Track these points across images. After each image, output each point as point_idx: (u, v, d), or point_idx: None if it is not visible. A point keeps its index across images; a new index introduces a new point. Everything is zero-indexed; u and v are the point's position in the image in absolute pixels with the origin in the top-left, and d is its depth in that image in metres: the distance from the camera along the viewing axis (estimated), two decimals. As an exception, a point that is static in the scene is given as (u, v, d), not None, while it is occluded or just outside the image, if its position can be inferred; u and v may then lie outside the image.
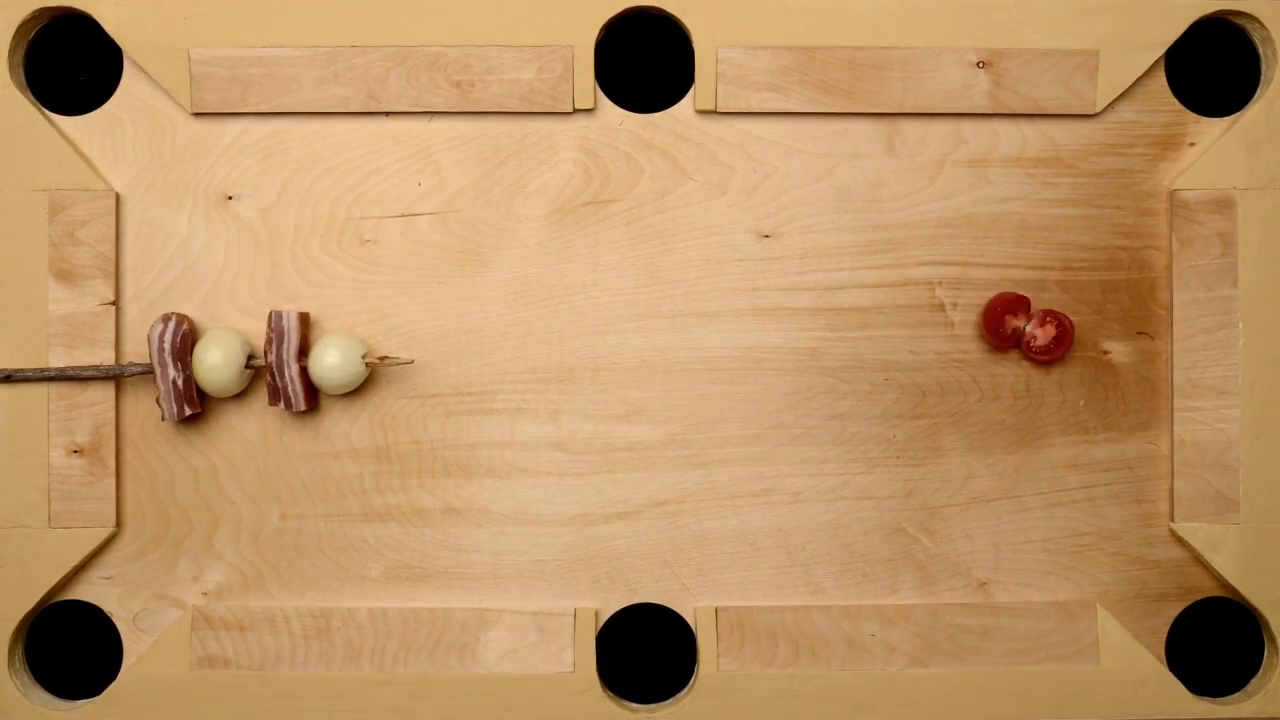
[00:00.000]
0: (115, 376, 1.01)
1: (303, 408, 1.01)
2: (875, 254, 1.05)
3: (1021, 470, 1.05)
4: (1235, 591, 1.04)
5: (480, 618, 1.03)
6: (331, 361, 1.00)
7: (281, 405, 1.01)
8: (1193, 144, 1.05)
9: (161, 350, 0.99)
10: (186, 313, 1.03)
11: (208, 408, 1.03)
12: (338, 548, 1.04)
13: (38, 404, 1.01)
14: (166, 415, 1.00)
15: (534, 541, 1.05)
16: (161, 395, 1.00)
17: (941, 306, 1.05)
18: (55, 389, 1.01)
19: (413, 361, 1.02)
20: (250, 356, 1.01)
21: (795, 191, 1.05)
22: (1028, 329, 1.02)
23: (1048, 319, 1.02)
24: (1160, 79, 1.05)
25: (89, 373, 1.00)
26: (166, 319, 1.00)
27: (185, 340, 1.00)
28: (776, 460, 1.05)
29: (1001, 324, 1.02)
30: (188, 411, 1.01)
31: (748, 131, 1.05)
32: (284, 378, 1.01)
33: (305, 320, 1.03)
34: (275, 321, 1.00)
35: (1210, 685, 1.06)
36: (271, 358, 1.00)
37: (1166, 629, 1.05)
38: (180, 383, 1.00)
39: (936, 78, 1.03)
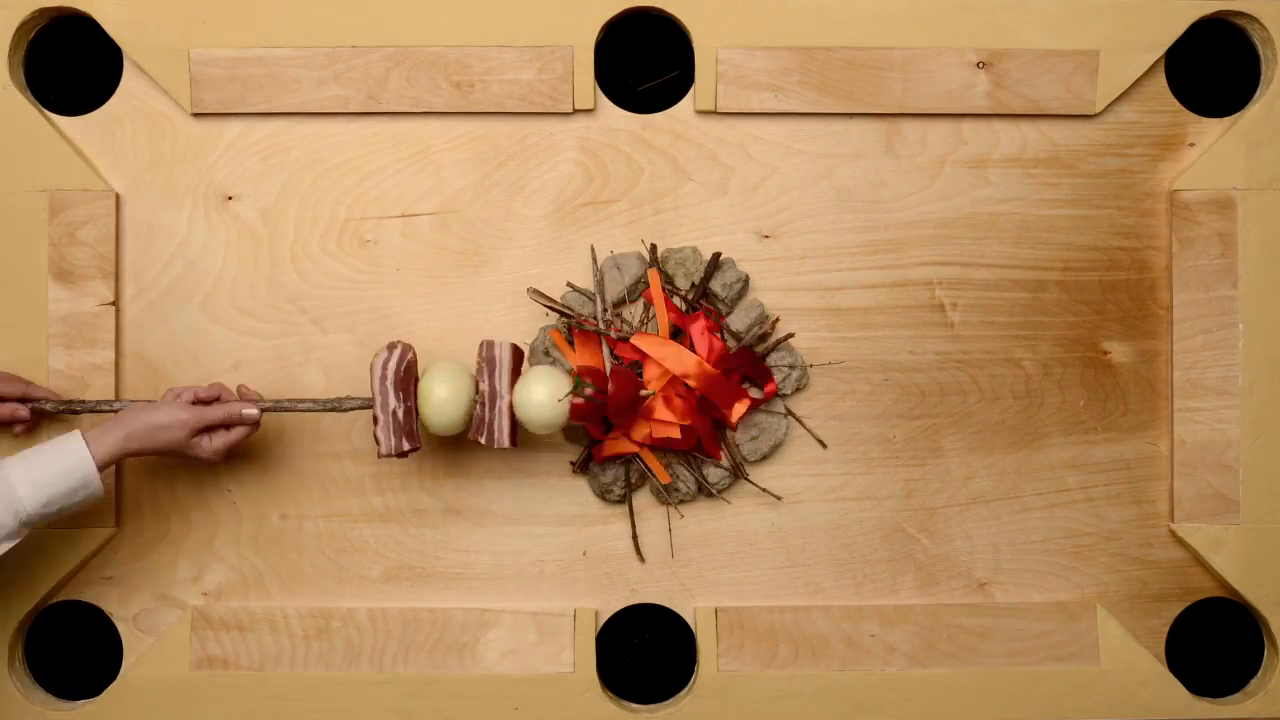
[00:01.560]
0: (332, 410, 0.95)
1: (505, 445, 0.94)
2: (875, 254, 1.05)
3: (1021, 471, 1.05)
4: (1235, 592, 1.04)
5: (480, 618, 1.03)
6: (539, 398, 0.93)
7: (484, 439, 0.94)
8: (1193, 144, 1.05)
9: (384, 379, 0.92)
10: (186, 313, 1.03)
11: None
12: (338, 548, 1.04)
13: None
14: (384, 450, 0.93)
15: (534, 542, 1.05)
16: (379, 428, 0.92)
17: (941, 306, 1.05)
18: (55, 389, 1.01)
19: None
20: (478, 392, 0.94)
21: (795, 191, 1.05)
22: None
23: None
24: (1160, 79, 1.05)
25: (304, 405, 0.95)
26: (391, 347, 0.93)
27: (409, 371, 0.93)
28: (777, 460, 1.05)
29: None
30: (406, 446, 0.93)
31: (748, 132, 1.05)
32: (493, 410, 0.94)
33: (518, 354, 0.97)
34: (487, 351, 0.94)
35: (1210, 685, 1.06)
36: (484, 387, 0.94)
37: (1166, 629, 1.05)
38: (401, 415, 0.92)
39: (936, 78, 1.03)
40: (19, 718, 1.02)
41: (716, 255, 1.03)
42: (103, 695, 1.02)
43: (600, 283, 1.02)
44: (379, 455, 0.94)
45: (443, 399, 0.93)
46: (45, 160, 1.02)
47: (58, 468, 0.86)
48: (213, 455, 0.93)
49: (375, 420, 0.93)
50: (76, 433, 0.89)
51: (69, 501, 0.87)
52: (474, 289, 1.05)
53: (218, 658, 1.02)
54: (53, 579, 1.02)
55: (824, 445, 1.04)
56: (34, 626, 1.05)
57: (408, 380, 0.94)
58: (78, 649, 1.07)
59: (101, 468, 0.88)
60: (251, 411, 0.94)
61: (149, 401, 0.95)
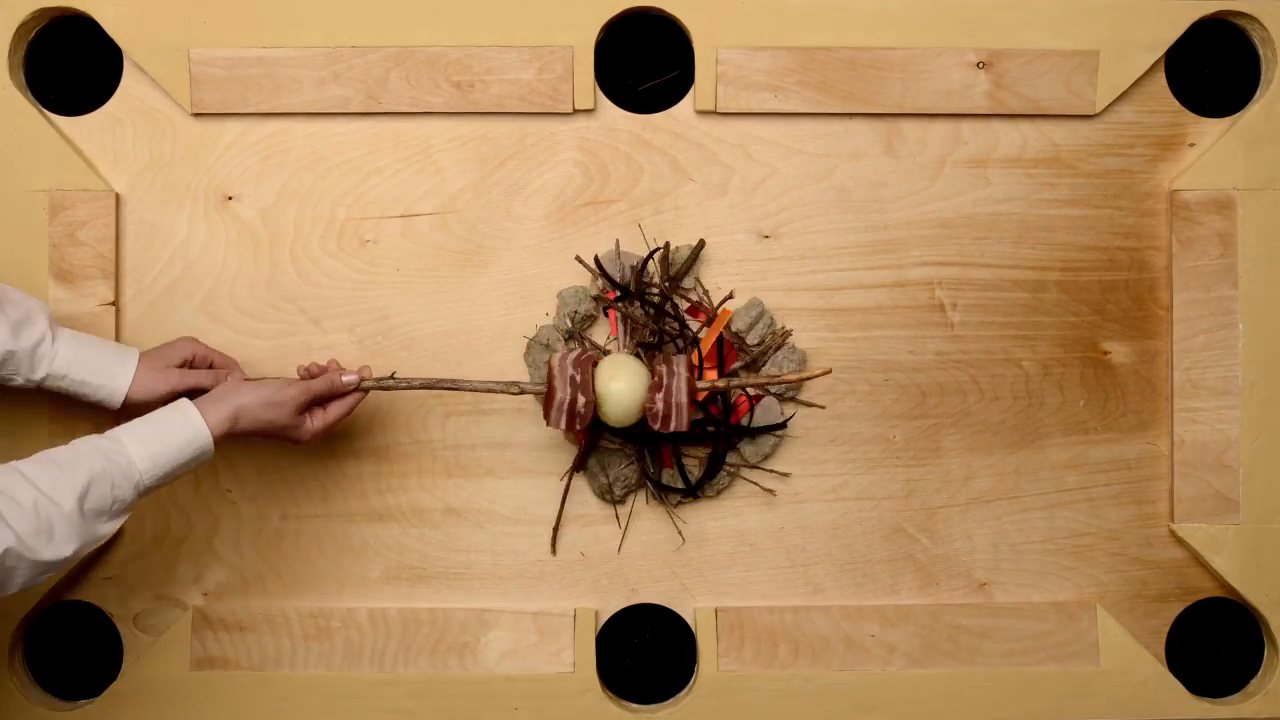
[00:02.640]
0: (493, 391, 0.95)
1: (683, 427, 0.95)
2: (875, 254, 1.05)
3: (1021, 471, 1.05)
4: (1235, 592, 1.04)
5: (480, 618, 1.03)
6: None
7: (658, 425, 0.94)
8: (1192, 144, 1.05)
9: (565, 367, 0.93)
10: (186, 313, 1.03)
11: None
12: (338, 548, 1.04)
13: (38, 404, 1.01)
14: (552, 423, 0.94)
15: (534, 542, 1.05)
16: (555, 409, 0.93)
17: (941, 306, 1.05)
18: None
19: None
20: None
21: (795, 191, 1.05)
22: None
23: None
24: (1160, 79, 1.05)
25: (496, 387, 0.94)
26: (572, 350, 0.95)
27: (589, 363, 0.95)
28: (777, 460, 1.05)
29: None
30: (575, 427, 0.94)
31: (748, 132, 1.05)
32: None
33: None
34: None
35: (1210, 685, 1.06)
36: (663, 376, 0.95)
37: (1166, 629, 1.05)
38: (581, 407, 0.93)
39: (936, 78, 1.03)
40: (19, 718, 1.02)
41: (700, 243, 1.03)
42: (103, 695, 1.02)
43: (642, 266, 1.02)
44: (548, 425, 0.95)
45: (619, 390, 0.94)
46: (45, 160, 1.02)
47: (175, 440, 0.85)
48: (311, 436, 0.92)
49: (550, 399, 0.93)
50: (187, 402, 0.87)
51: (185, 470, 0.87)
52: (474, 289, 1.05)
53: (218, 658, 1.02)
54: (53, 579, 1.02)
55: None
56: (34, 626, 1.05)
57: (586, 372, 0.94)
58: (78, 649, 1.07)
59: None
60: (350, 378, 0.93)
61: (258, 379, 0.93)
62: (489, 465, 1.05)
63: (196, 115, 1.03)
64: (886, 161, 1.05)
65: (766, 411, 1.03)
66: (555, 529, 1.04)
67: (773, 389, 1.02)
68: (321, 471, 1.04)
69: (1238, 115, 1.05)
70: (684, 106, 1.05)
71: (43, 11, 1.02)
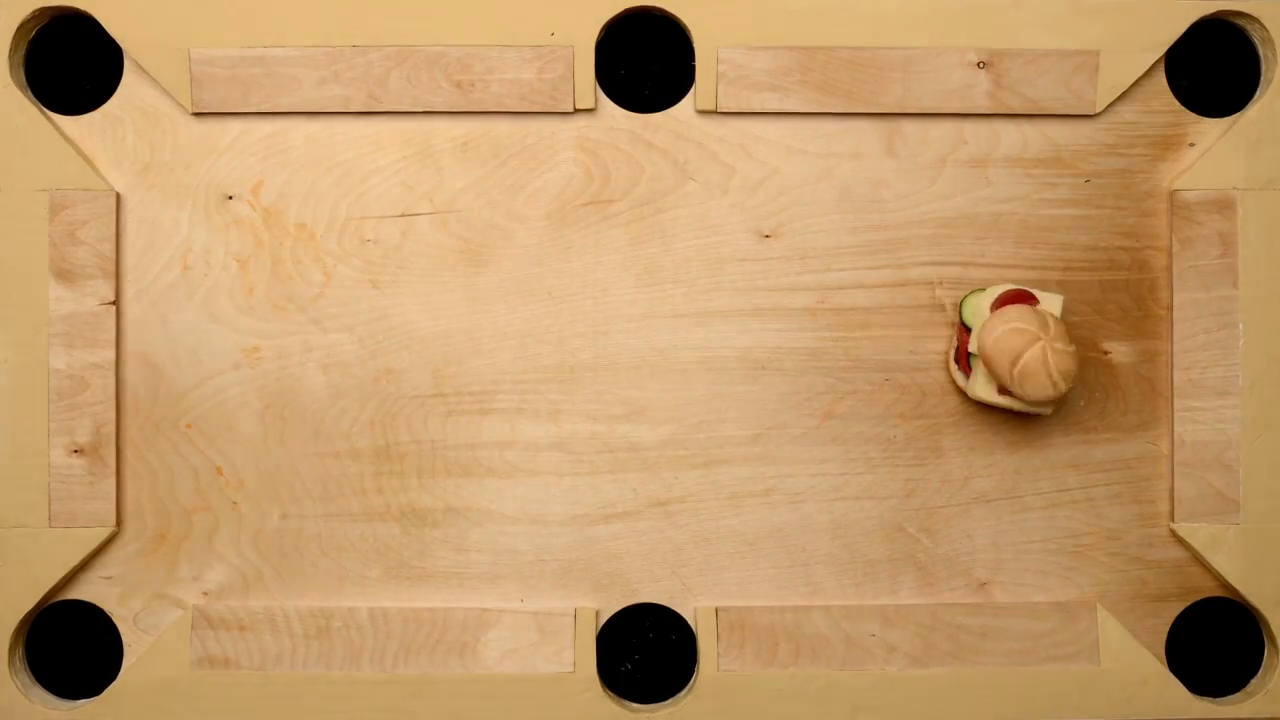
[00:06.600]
0: None
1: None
2: (875, 254, 1.05)
3: (1021, 470, 1.05)
4: (1235, 592, 1.04)
5: (480, 618, 1.03)
6: None
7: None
8: (1193, 144, 1.05)
9: None
10: (186, 313, 1.03)
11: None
12: (338, 548, 1.04)
13: (38, 404, 1.01)
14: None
15: (534, 541, 1.05)
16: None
17: (942, 307, 1.05)
18: (55, 388, 1.01)
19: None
20: None
21: (795, 191, 1.05)
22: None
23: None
24: (1160, 79, 1.05)
25: None
26: None
27: None
28: (777, 460, 1.05)
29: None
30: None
31: (748, 132, 1.05)
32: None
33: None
34: None
35: (1210, 685, 1.06)
36: None
37: (1166, 629, 1.05)
38: None
39: (936, 78, 1.03)
40: (19, 718, 1.02)
41: None
42: (103, 695, 1.02)
43: None
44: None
45: None
46: (45, 160, 1.02)
47: None
48: None
49: None
50: None
51: None
52: (474, 289, 1.05)
53: (218, 657, 1.02)
54: (53, 579, 1.02)
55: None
56: (34, 626, 1.05)
57: None
58: (78, 649, 1.07)
59: None
60: None
61: None
62: (489, 465, 1.05)
63: (197, 115, 1.03)
64: (887, 161, 1.05)
65: None
66: None
67: None
68: (321, 471, 1.04)
69: (1238, 115, 1.05)
70: (684, 106, 1.05)
71: (43, 11, 1.02)
